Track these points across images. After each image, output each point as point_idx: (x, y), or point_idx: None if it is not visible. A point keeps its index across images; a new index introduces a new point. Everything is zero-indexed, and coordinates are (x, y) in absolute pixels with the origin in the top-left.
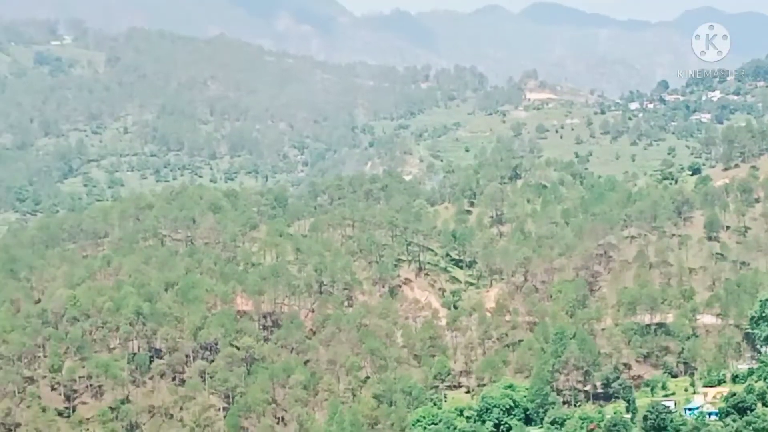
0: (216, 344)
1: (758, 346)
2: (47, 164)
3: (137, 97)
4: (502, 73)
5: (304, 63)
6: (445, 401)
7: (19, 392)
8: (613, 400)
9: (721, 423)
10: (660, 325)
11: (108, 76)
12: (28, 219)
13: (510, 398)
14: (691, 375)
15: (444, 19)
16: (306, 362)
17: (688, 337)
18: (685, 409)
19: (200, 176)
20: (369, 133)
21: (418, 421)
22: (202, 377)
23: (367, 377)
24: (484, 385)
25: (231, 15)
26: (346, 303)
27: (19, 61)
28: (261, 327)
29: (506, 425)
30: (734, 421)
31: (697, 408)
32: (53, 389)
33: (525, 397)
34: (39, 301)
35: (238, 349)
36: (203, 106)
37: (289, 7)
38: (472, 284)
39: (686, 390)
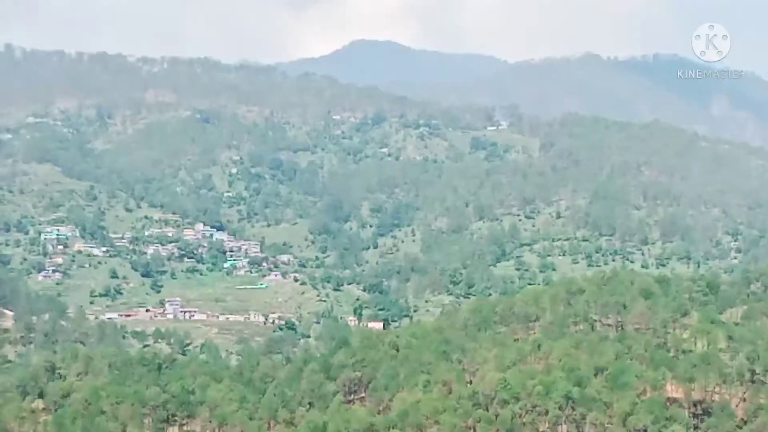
0: (645, 431)
1: None
2: (481, 248)
3: (570, 182)
4: None
5: (739, 149)
6: None
7: None
8: None
9: None
10: None
11: (542, 161)
12: (461, 302)
13: None
14: None
15: None
16: None
17: None
18: None
19: (631, 261)
20: None
21: None
22: None
23: None
24: None
25: (665, 99)
26: None
27: (456, 146)
28: (691, 415)
29: None
30: None
31: None
32: None
33: None
34: (470, 383)
35: None
36: (636, 191)
37: (726, 92)
38: None
39: None
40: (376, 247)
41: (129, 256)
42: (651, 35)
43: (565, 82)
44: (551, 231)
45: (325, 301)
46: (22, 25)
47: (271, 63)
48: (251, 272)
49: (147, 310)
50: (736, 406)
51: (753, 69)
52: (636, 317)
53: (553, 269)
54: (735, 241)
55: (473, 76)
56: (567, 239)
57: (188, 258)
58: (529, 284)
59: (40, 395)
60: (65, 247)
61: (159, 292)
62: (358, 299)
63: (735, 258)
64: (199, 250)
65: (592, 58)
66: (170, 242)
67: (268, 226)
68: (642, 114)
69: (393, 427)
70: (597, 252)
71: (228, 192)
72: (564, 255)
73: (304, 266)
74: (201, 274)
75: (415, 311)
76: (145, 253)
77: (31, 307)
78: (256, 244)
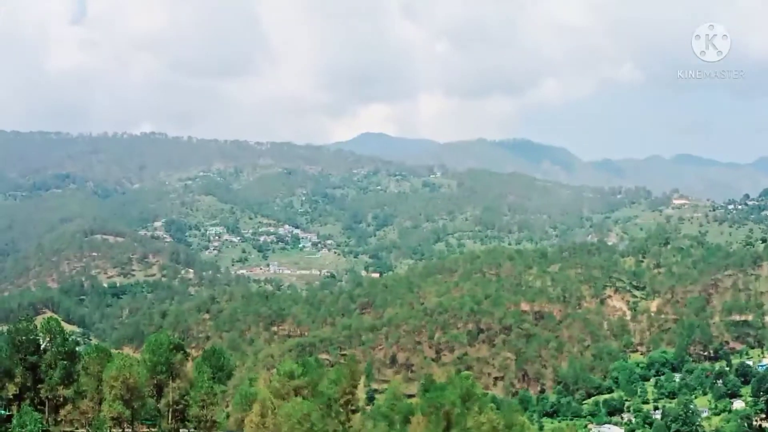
0: (510, 327)
1: None
2: (427, 236)
3: (472, 203)
4: (661, 190)
5: (558, 186)
6: (630, 358)
7: (413, 348)
8: (719, 360)
9: None
10: (744, 321)
11: (458, 193)
12: (418, 263)
13: (665, 357)
14: (762, 347)
15: (634, 165)
16: (556, 337)
17: (759, 327)
18: (759, 365)
19: (503, 242)
20: (590, 221)
21: (615, 368)
22: (503, 343)
23: (588, 345)
24: (650, 350)
25: (520, 161)
26: (577, 306)
27: (415, 185)
28: (533, 318)
29: (662, 372)
30: None
31: (766, 365)
32: (430, 347)
33: (673, 357)
34: (422, 303)
35: (522, 329)
36: (505, 206)
37: (551, 159)
38: (644, 298)
39: (759, 356)
40: (375, 236)
41: (251, 242)
42: (512, 124)
43: (470, 152)
44: (463, 227)
45: (350, 263)
46: (191, 119)
47: (321, 144)
48: (312, 249)
49: (260, 269)
50: (556, 313)
51: (564, 145)
52: (506, 269)
53: (464, 246)
54: (555, 231)
55: (423, 149)
56: (471, 231)
57: (281, 242)
58: (452, 254)
59: (207, 311)
60: (219, 237)
61: (266, 259)
62: (366, 263)
63: (555, 240)
64: (287, 238)
65: (481, 140)
66: (272, 234)
67: (321, 225)
68: (510, 168)
69: (384, 326)
70: (486, 237)
71: (300, 209)
72: (469, 239)
73: (339, 246)
74: (288, 250)
75: (395, 268)
76: (259, 240)
77: (201, 267)
78: (315, 234)
